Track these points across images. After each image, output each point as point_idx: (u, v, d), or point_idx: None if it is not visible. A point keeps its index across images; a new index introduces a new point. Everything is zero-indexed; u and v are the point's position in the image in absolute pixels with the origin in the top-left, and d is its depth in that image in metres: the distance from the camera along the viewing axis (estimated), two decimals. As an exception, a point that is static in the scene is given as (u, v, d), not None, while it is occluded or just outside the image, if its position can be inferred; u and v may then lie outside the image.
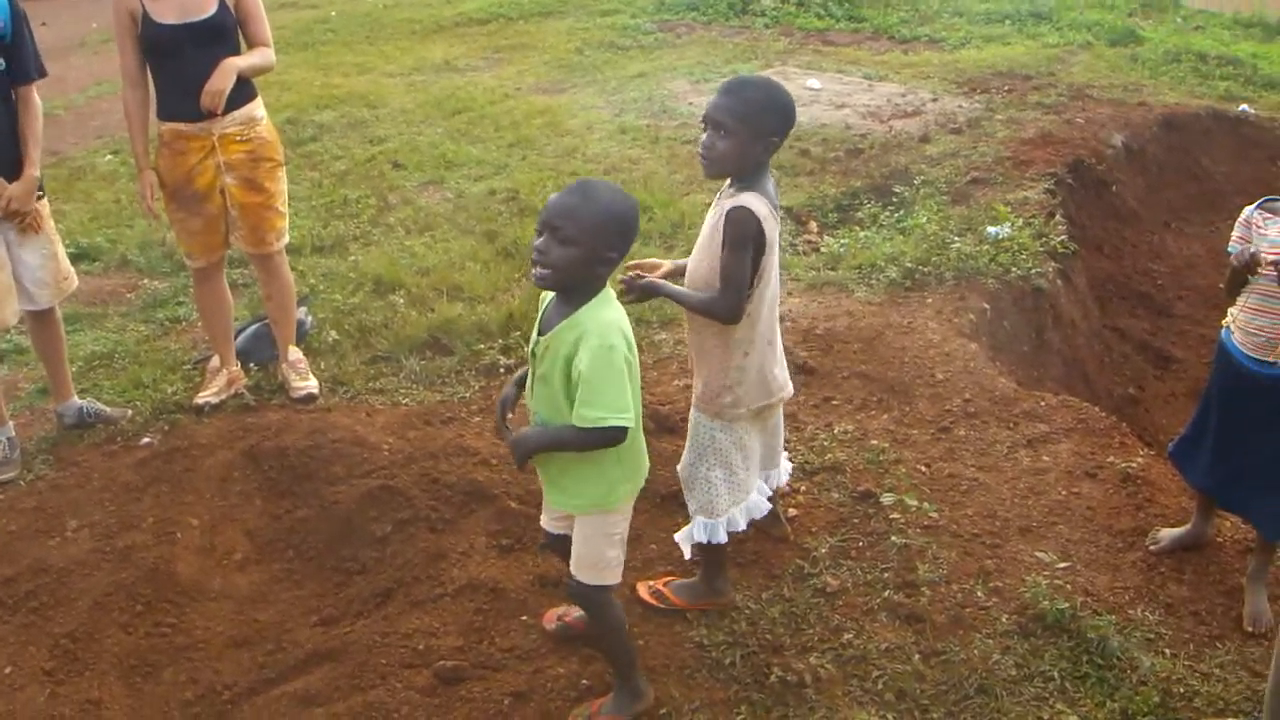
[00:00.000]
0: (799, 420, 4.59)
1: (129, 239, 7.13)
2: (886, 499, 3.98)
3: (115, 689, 3.42)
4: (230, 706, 3.32)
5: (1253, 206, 3.42)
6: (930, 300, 5.63)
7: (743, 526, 3.40)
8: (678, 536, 3.46)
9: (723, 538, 3.34)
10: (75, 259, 5.77)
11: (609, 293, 2.79)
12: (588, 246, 2.65)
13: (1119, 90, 9.49)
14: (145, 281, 6.60)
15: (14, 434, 4.70)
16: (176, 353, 5.60)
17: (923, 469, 4.24)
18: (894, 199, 7.01)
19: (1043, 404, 4.73)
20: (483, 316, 5.63)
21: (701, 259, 3.18)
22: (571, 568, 2.99)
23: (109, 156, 9.21)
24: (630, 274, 3.23)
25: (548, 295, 2.86)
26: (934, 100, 9.55)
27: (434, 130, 9.53)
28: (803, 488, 4.12)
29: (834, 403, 4.75)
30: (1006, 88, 9.76)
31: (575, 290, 2.74)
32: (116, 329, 5.93)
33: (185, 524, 4.14)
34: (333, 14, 15.49)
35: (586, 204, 2.69)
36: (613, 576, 2.97)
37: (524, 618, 3.52)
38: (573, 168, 8.07)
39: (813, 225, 7.03)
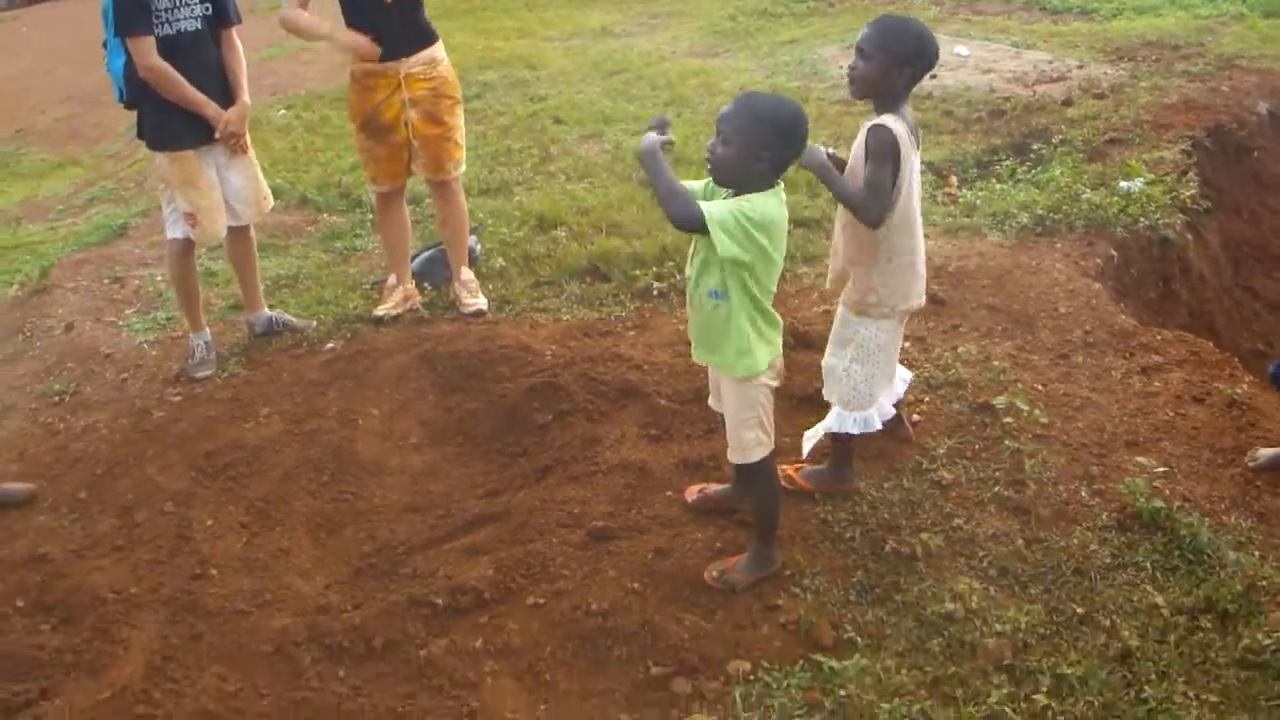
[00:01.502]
0: (927, 343, 4.91)
1: (306, 181, 7.78)
2: (1000, 404, 4.29)
3: (303, 541, 3.95)
4: (405, 557, 3.81)
5: None
6: (1059, 245, 5.87)
7: (878, 425, 3.75)
8: (806, 434, 3.83)
9: (854, 430, 3.71)
10: None
11: (776, 189, 3.17)
12: (743, 144, 3.04)
13: (1269, 60, 9.44)
14: (324, 216, 7.24)
15: (210, 339, 5.32)
16: (355, 276, 6.17)
17: (1039, 387, 4.52)
18: (1031, 155, 7.22)
19: (1159, 338, 4.96)
20: (639, 248, 6.04)
21: (851, 178, 3.54)
22: (728, 452, 3.42)
23: (283, 111, 9.93)
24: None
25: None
26: (1080, 67, 9.65)
27: (592, 89, 10.00)
28: (926, 399, 4.45)
29: (961, 329, 5.05)
30: (1154, 57, 9.79)
31: (741, 185, 3.14)
32: (299, 256, 6.54)
33: (366, 413, 4.68)
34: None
35: (743, 109, 3.09)
36: (759, 453, 3.36)
37: (668, 493, 3.92)
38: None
39: (953, 179, 7.27)
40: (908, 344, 4.78)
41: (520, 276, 5.98)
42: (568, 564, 3.58)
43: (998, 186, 6.77)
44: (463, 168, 5.56)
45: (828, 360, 3.79)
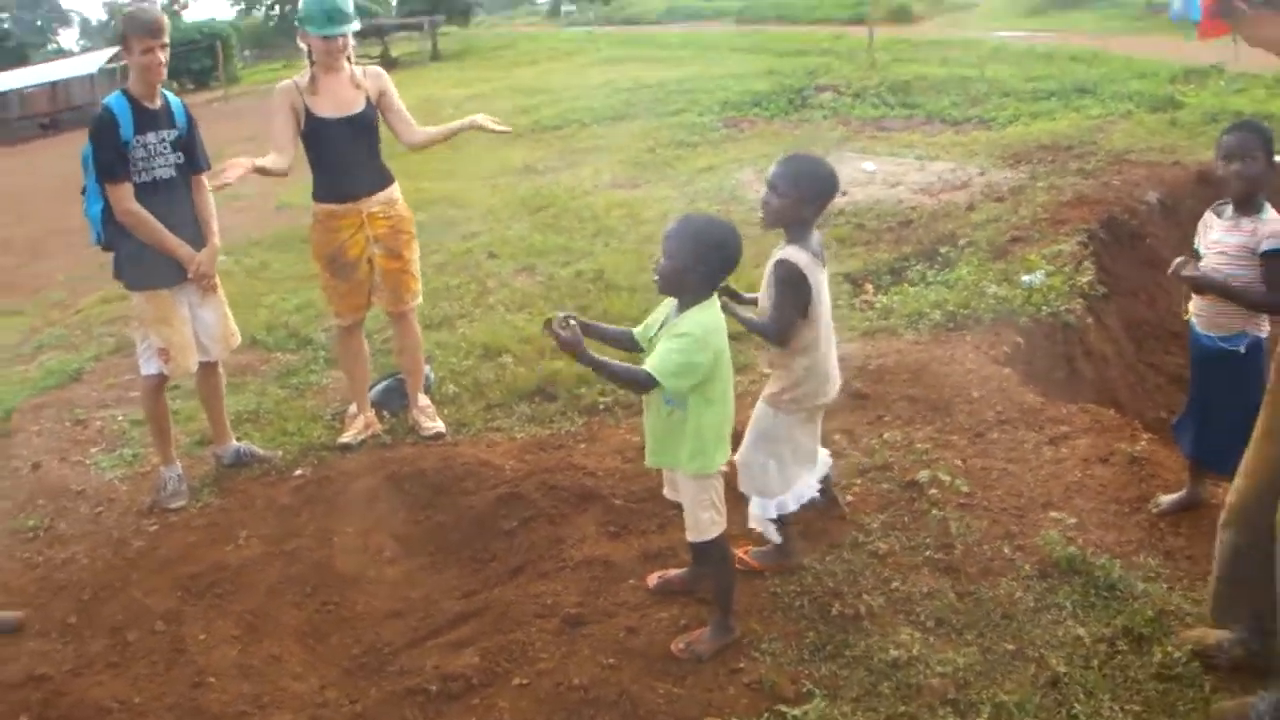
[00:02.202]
0: (855, 434, 5.33)
1: (255, 323, 8.12)
2: (924, 479, 4.72)
3: (293, 648, 4.22)
4: (392, 656, 4.09)
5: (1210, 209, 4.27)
6: (969, 338, 6.38)
7: (792, 509, 4.14)
8: (751, 521, 4.20)
9: (774, 514, 4.10)
10: None
11: (711, 301, 3.60)
12: (681, 259, 3.49)
13: (1156, 153, 10.24)
14: (276, 355, 7.59)
15: (181, 471, 5.60)
16: (314, 408, 6.50)
17: (959, 463, 4.94)
18: (939, 259, 7.80)
19: (1065, 411, 5.45)
20: (582, 369, 6.45)
21: (763, 296, 4.01)
22: (686, 533, 3.80)
23: (223, 258, 10.28)
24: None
25: (668, 303, 3.71)
26: (981, 174, 10.37)
27: (521, 225, 10.52)
28: (858, 482, 4.85)
29: (885, 419, 5.49)
30: (1049, 158, 10.55)
31: (680, 294, 3.59)
32: (257, 392, 6.87)
33: (340, 531, 4.98)
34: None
35: (682, 228, 3.57)
36: (714, 531, 3.74)
37: (631, 581, 4.25)
38: (653, 250, 8.95)
39: (869, 287, 7.81)
40: (837, 436, 5.22)
41: (472, 401, 6.34)
42: (546, 647, 3.89)
43: (910, 289, 7.30)
44: (419, 299, 5.97)
45: (741, 454, 4.18)
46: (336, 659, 4.14)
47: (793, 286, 3.84)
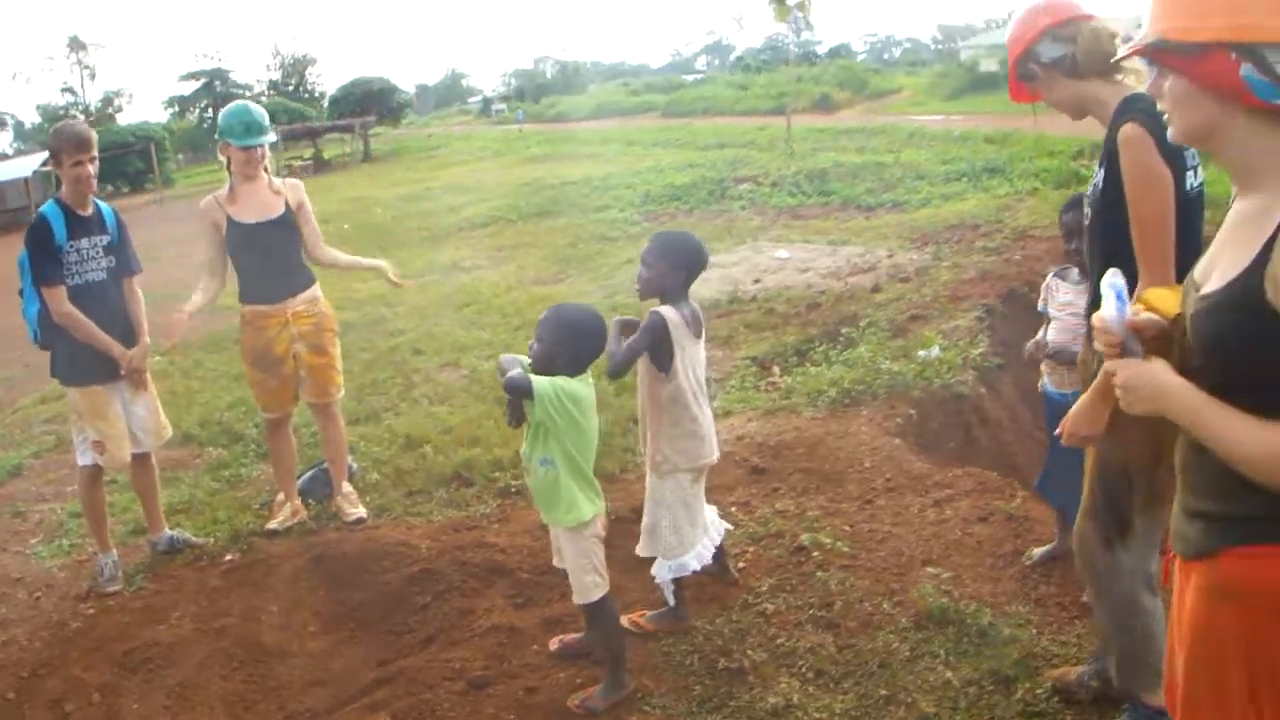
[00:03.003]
0: (751, 505, 5.70)
1: (189, 419, 8.40)
2: (807, 541, 5.09)
3: (220, 716, 4.48)
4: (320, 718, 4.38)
5: (1051, 273, 4.75)
6: (865, 412, 6.80)
7: (694, 568, 4.50)
8: (657, 580, 4.55)
9: (678, 573, 4.46)
10: None
11: (584, 378, 3.99)
12: (550, 343, 3.91)
13: (1058, 228, 10.76)
14: (208, 450, 7.86)
15: (117, 558, 5.85)
16: (244, 498, 6.76)
17: (847, 528, 5.33)
18: (841, 339, 8.25)
19: (949, 475, 5.86)
20: (498, 455, 6.79)
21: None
22: (573, 596, 4.13)
23: (158, 358, 10.56)
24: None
25: None
26: (889, 256, 10.90)
27: (447, 321, 10.89)
28: (750, 549, 5.20)
29: (779, 491, 5.87)
30: (956, 238, 11.10)
31: (552, 374, 3.97)
32: (191, 484, 7.14)
33: (267, 610, 5.25)
34: (345, 226, 17.15)
35: (553, 315, 4.00)
36: (598, 593, 4.07)
37: (535, 646, 4.56)
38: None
39: (775, 369, 8.24)
40: (734, 508, 5.59)
41: (394, 488, 6.64)
42: (453, 708, 4.18)
43: (812, 369, 7.74)
44: (341, 392, 6.31)
45: (643, 522, 4.56)
46: (264, 727, 4.41)
47: (650, 331, 4.24)
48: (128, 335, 5.67)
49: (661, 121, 36.12)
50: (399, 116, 50.30)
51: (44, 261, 5.40)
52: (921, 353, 7.58)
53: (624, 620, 4.61)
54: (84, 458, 5.71)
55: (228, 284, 6.09)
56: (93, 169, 5.44)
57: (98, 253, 5.56)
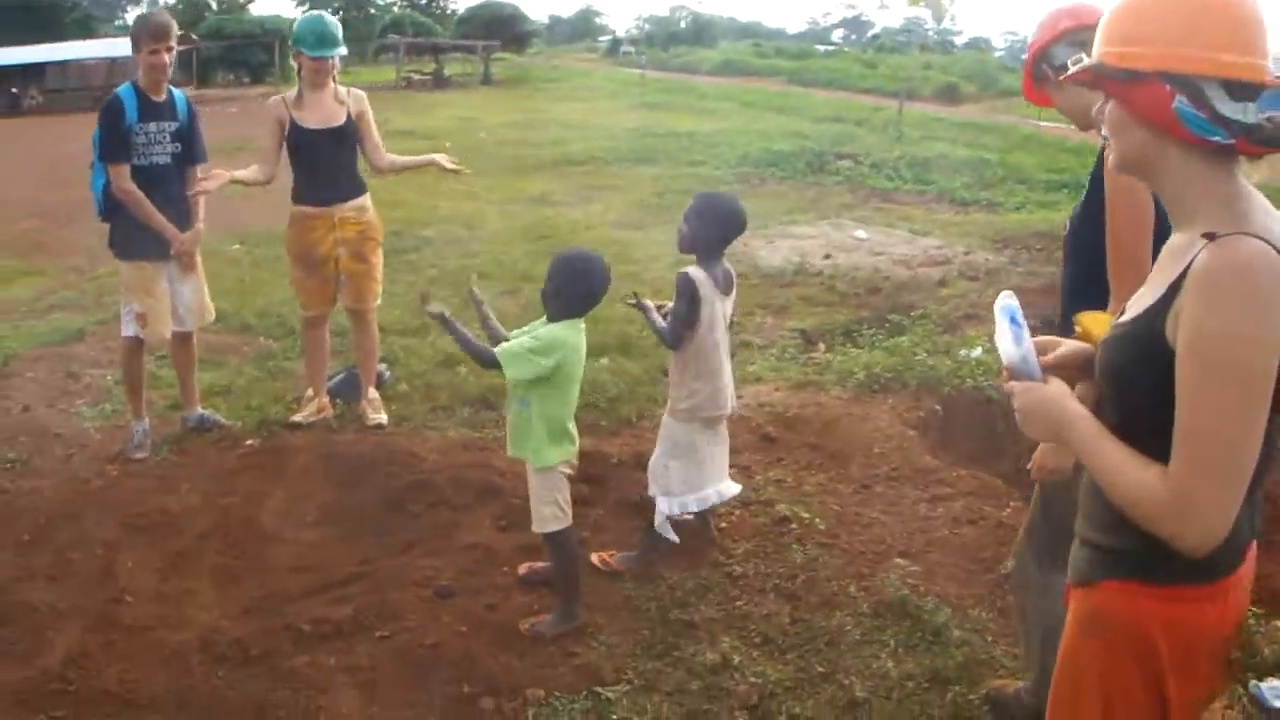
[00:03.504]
0: (751, 470, 5.81)
1: (250, 308, 8.77)
2: (788, 512, 5.21)
3: (207, 586, 4.74)
4: (286, 603, 4.56)
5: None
6: (890, 400, 6.84)
7: (693, 509, 4.72)
8: (655, 526, 4.71)
9: (676, 511, 4.67)
10: None
11: (573, 323, 4.14)
12: (552, 284, 4.10)
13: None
14: (260, 340, 8.19)
15: (148, 427, 6.18)
16: (280, 390, 7.04)
17: (836, 508, 5.42)
18: (889, 325, 8.28)
19: (954, 474, 5.90)
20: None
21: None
22: (532, 525, 4.33)
23: (236, 246, 10.95)
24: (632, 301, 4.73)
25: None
26: (966, 253, 10.83)
27: (519, 250, 11.06)
28: (737, 512, 5.32)
29: (783, 462, 5.97)
30: (1038, 245, 10.98)
31: (550, 315, 4.14)
32: (234, 370, 7.45)
33: (272, 495, 5.52)
34: (447, 144, 17.24)
35: (559, 257, 4.19)
36: (555, 525, 4.26)
37: (505, 569, 4.76)
38: (626, 288, 9.46)
39: (821, 345, 8.30)
40: (733, 470, 5.65)
41: (420, 401, 6.86)
42: (414, 611, 4.39)
43: (852, 351, 7.79)
44: (378, 300, 6.53)
45: (652, 462, 4.76)
46: (239, 599, 4.64)
47: (684, 298, 4.45)
48: (183, 219, 5.94)
49: (784, 87, 35.83)
50: (524, 44, 50.52)
51: (111, 139, 5.69)
52: (963, 352, 7.57)
53: (594, 557, 4.80)
54: (127, 329, 6.03)
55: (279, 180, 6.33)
56: (169, 58, 5.71)
57: (165, 138, 5.82)
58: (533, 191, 14.25)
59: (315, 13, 6.36)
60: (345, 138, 6.16)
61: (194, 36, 45.80)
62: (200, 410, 6.42)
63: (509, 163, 16.61)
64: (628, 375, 7.17)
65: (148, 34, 5.68)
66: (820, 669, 4.15)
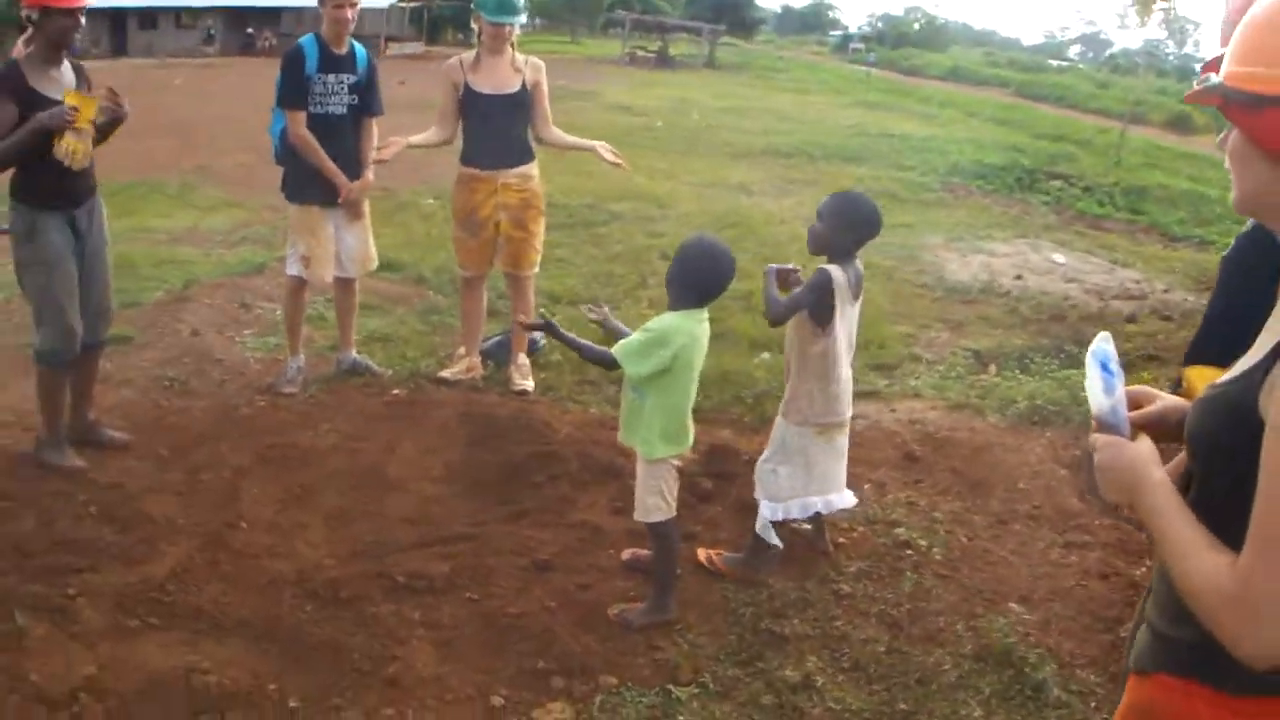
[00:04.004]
0: (886, 488, 5.64)
1: (427, 263, 9.00)
2: (907, 536, 5.03)
3: (319, 524, 4.91)
4: (391, 552, 4.67)
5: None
6: (1048, 434, 6.54)
7: (796, 515, 4.59)
8: (757, 528, 4.61)
9: (779, 517, 4.54)
10: (383, 267, 7.55)
11: (693, 313, 4.07)
12: (674, 270, 4.07)
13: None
14: (430, 294, 8.42)
15: (303, 364, 6.42)
16: (437, 344, 7.22)
17: (965, 540, 5.19)
18: (1064, 356, 7.93)
19: (1097, 522, 5.60)
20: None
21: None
22: (634, 513, 4.30)
23: (431, 200, 11.21)
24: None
25: None
26: (1164, 291, 10.30)
27: (710, 232, 11.01)
28: (860, 529, 5.17)
29: (921, 484, 5.77)
30: (1245, 291, 10.35)
31: (672, 303, 4.09)
32: (398, 320, 7.67)
33: (402, 446, 5.64)
34: (659, 124, 17.42)
35: (686, 243, 4.16)
36: (658, 516, 4.20)
37: (610, 550, 4.74)
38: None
39: (992, 368, 8.01)
40: (867, 485, 5.54)
41: (570, 373, 6.90)
42: (508, 579, 4.43)
43: (1021, 378, 7.49)
44: (536, 268, 6.60)
45: (760, 464, 4.64)
46: (347, 541, 4.77)
47: (815, 288, 4.29)
48: (354, 168, 6.12)
49: (1010, 99, 34.86)
50: (751, 30, 50.62)
51: (290, 86, 5.90)
52: (1136, 394, 7.20)
53: (700, 554, 4.72)
54: (291, 268, 6.26)
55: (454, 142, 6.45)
56: (351, 14, 5.92)
57: (342, 89, 6.00)
58: (733, 178, 14.18)
59: None
60: (517, 105, 6.22)
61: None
62: (355, 354, 6.61)
63: (716, 147, 16.59)
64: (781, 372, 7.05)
65: None
66: (904, 706, 3.98)
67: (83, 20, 4.90)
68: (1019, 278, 10.40)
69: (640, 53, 43.19)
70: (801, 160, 16.06)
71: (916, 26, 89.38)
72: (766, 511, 4.56)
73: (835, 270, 4.31)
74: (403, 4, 51.59)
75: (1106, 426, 1.99)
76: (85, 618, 4.02)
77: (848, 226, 4.36)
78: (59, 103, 4.79)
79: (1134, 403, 2.09)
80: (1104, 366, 2.03)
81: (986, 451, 6.20)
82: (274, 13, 39.59)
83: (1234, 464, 1.72)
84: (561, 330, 4.20)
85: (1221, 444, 1.79)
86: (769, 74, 36.04)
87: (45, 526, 4.66)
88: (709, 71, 36.63)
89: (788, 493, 4.54)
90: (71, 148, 4.73)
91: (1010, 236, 11.99)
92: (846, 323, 4.45)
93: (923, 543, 5.06)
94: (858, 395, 6.73)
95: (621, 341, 4.04)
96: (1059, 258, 11.28)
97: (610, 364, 4.06)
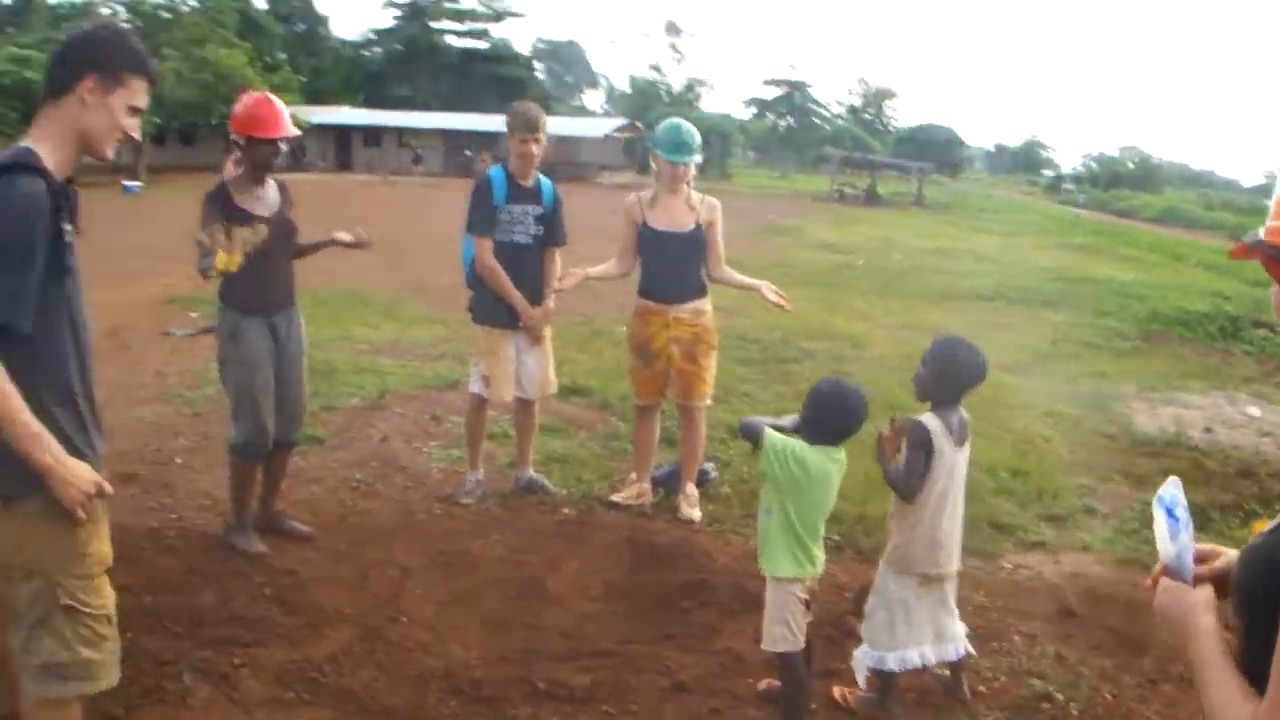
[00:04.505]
0: (1037, 640, 5.59)
1: (613, 390, 9.36)
2: (1050, 689, 5.00)
3: (475, 626, 5.25)
4: (538, 660, 4.95)
5: None
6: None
7: (891, 668, 4.61)
8: (853, 663, 4.73)
9: (874, 666, 4.60)
10: (569, 391, 8.12)
11: (826, 450, 4.28)
12: (806, 410, 4.33)
13: None
14: (613, 419, 8.76)
15: (482, 478, 6.84)
16: (614, 469, 7.53)
17: (1107, 697, 5.14)
18: (1245, 514, 7.72)
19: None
20: (852, 510, 6.99)
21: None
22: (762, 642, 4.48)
23: (623, 329, 11.65)
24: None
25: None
26: (1369, 451, 9.86)
27: (896, 377, 11.05)
28: (1002, 679, 5.16)
29: (1073, 638, 5.69)
30: None
31: (805, 435, 4.32)
32: (578, 443, 8.06)
33: (566, 563, 5.96)
34: (860, 263, 17.62)
35: (814, 388, 4.43)
36: (784, 646, 4.36)
37: (749, 680, 4.87)
38: (996, 435, 9.33)
39: (1164, 522, 7.84)
40: (1017, 636, 5.54)
41: (739, 505, 7.07)
42: (644, 697, 4.63)
43: (1198, 535, 7.30)
44: (707, 401, 6.87)
45: (866, 605, 4.76)
46: (498, 646, 5.07)
47: (916, 447, 4.41)
48: (537, 295, 6.56)
49: (1224, 243, 33.74)
50: (959, 169, 50.69)
51: (478, 215, 6.43)
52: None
53: (835, 691, 4.82)
54: (474, 386, 6.73)
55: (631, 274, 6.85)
56: (535, 149, 6.36)
57: (528, 219, 6.47)
58: (929, 321, 14.23)
59: (677, 120, 6.79)
60: (689, 243, 6.57)
61: (639, 125, 48.86)
62: (531, 473, 6.99)
63: (914, 288, 16.70)
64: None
65: (520, 124, 6.39)
66: None
67: (284, 148, 5.61)
68: (1208, 430, 10.13)
69: (848, 190, 43.84)
70: (1000, 304, 16.00)
71: (1131, 166, 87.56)
72: (860, 654, 4.66)
73: (931, 419, 4.43)
74: (617, 135, 53.68)
75: (1171, 572, 2.11)
76: (246, 686, 4.49)
77: (950, 374, 4.47)
78: (261, 218, 5.53)
79: (1203, 557, 2.18)
80: (1169, 512, 2.14)
81: (1147, 610, 6.05)
82: (491, 136, 42.14)
83: (1271, 614, 1.77)
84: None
85: (1258, 594, 1.86)
86: (976, 213, 35.96)
87: (222, 602, 5.19)
88: (916, 210, 36.78)
89: (885, 642, 4.59)
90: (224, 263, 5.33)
91: (1206, 388, 11.68)
92: (949, 471, 4.51)
93: (1060, 696, 5.02)
94: (1024, 545, 6.82)
95: (773, 434, 4.24)
96: (1255, 410, 10.93)
97: (753, 437, 4.29)
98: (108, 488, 3.14)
